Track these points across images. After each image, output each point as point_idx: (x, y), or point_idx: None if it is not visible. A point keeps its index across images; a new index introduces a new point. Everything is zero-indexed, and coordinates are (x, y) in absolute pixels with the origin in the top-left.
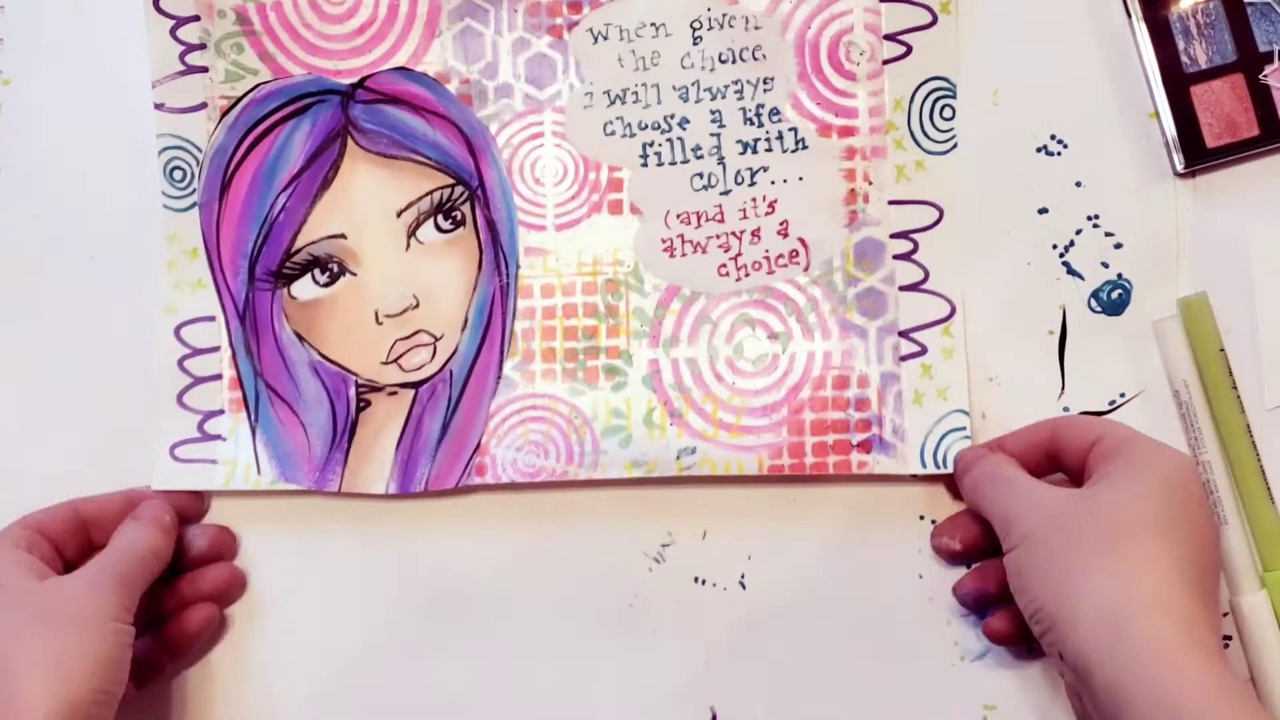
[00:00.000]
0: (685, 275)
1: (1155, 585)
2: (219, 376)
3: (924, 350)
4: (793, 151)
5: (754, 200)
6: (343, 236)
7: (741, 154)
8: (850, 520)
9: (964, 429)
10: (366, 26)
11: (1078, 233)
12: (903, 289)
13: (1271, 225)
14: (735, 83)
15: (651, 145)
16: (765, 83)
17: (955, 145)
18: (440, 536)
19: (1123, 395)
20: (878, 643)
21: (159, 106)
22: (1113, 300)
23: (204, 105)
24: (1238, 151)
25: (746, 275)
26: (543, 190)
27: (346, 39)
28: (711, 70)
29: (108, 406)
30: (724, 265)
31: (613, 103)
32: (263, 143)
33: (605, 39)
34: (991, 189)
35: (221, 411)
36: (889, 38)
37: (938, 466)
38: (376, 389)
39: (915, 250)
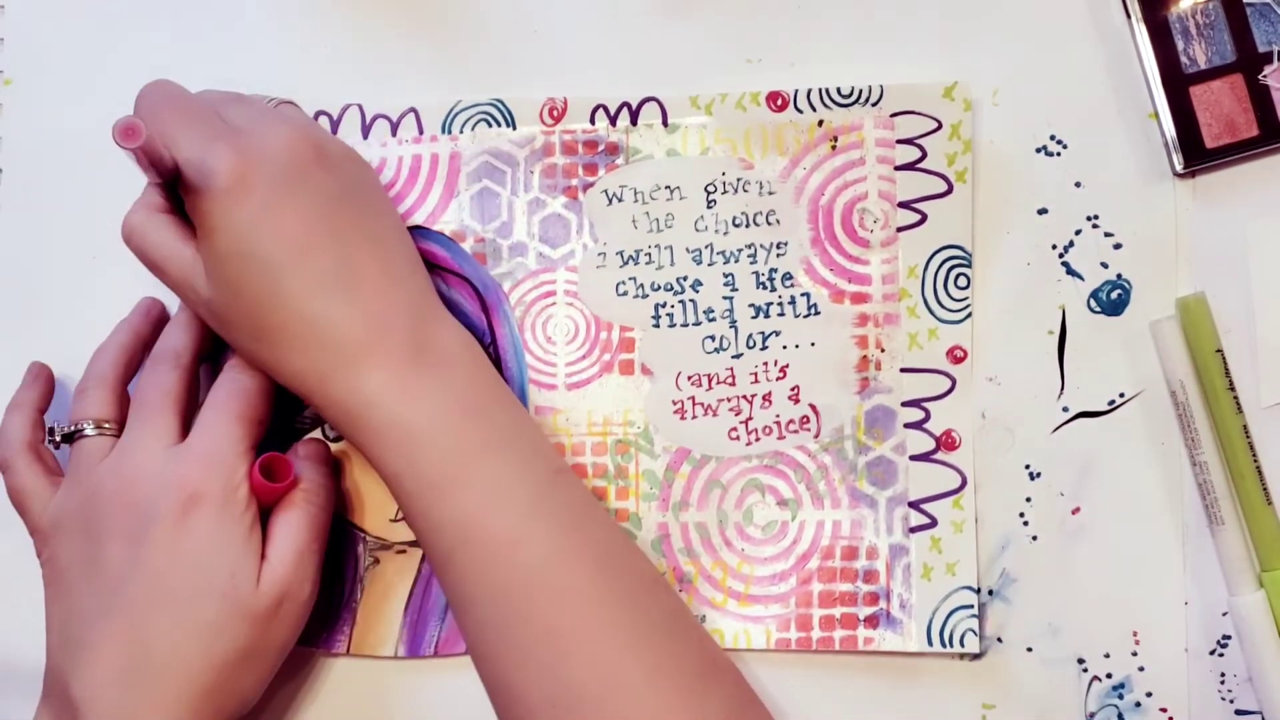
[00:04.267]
0: (695, 438)
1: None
2: None
3: (934, 523)
4: (805, 317)
5: (765, 364)
6: None
7: (753, 318)
8: None
9: (971, 606)
10: (389, 187)
11: (1077, 233)
12: (914, 459)
13: (1271, 225)
14: (748, 246)
15: (664, 306)
16: (778, 247)
17: (970, 314)
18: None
19: (1122, 395)
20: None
21: None
22: (1112, 300)
23: None
24: (1237, 152)
25: (757, 440)
26: (554, 349)
27: None
28: (725, 234)
29: None
30: (734, 429)
31: (625, 263)
32: None
33: (619, 200)
34: (991, 189)
35: None
36: (904, 205)
37: (945, 645)
38: (386, 547)
39: (927, 419)
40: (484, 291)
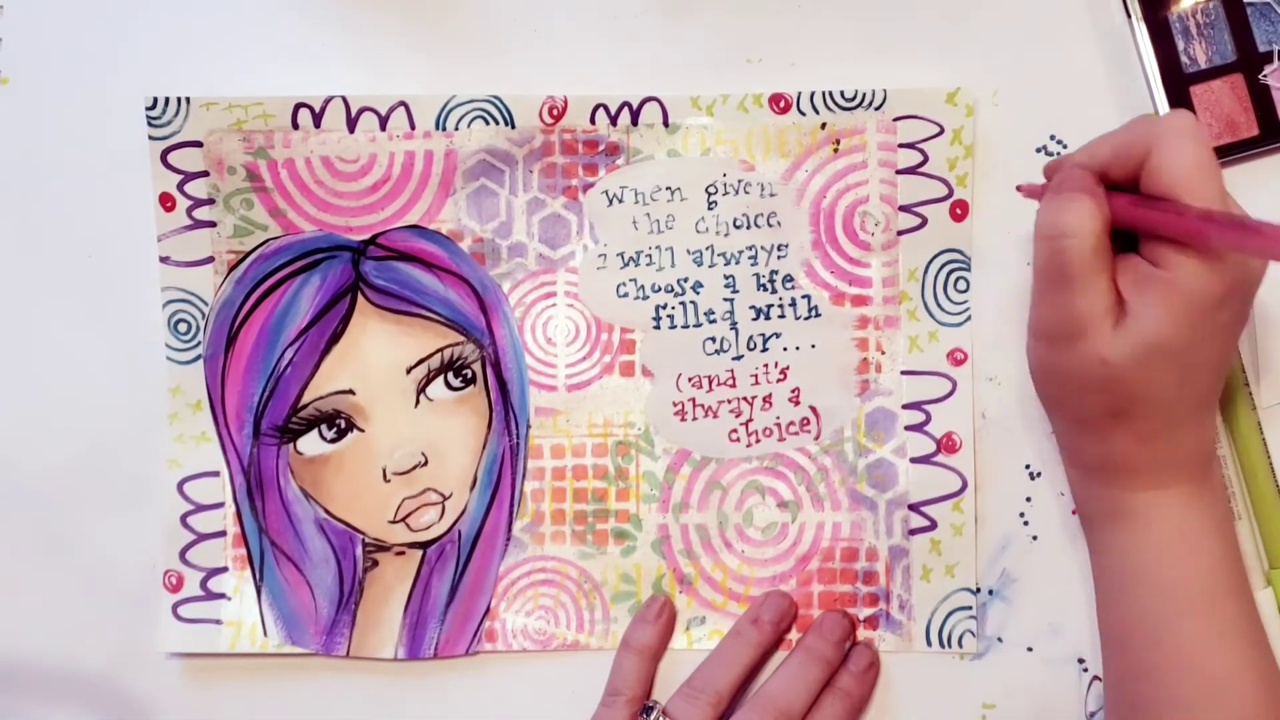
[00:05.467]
0: (696, 439)
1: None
2: (223, 533)
3: (933, 525)
4: (805, 319)
5: (766, 366)
6: (351, 392)
7: (754, 319)
8: None
9: (969, 608)
10: (380, 184)
11: None
12: (914, 461)
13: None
14: (749, 248)
15: (664, 308)
16: (779, 249)
17: (969, 317)
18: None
19: None
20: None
21: (164, 260)
22: None
23: (211, 259)
24: (1237, 151)
25: (757, 441)
26: (554, 350)
27: (359, 196)
28: (726, 235)
29: (107, 407)
30: (735, 430)
31: (626, 264)
32: (271, 296)
33: (620, 201)
34: (991, 190)
35: (225, 569)
36: (904, 209)
37: (943, 646)
38: (384, 548)
39: (928, 422)
40: (483, 292)
